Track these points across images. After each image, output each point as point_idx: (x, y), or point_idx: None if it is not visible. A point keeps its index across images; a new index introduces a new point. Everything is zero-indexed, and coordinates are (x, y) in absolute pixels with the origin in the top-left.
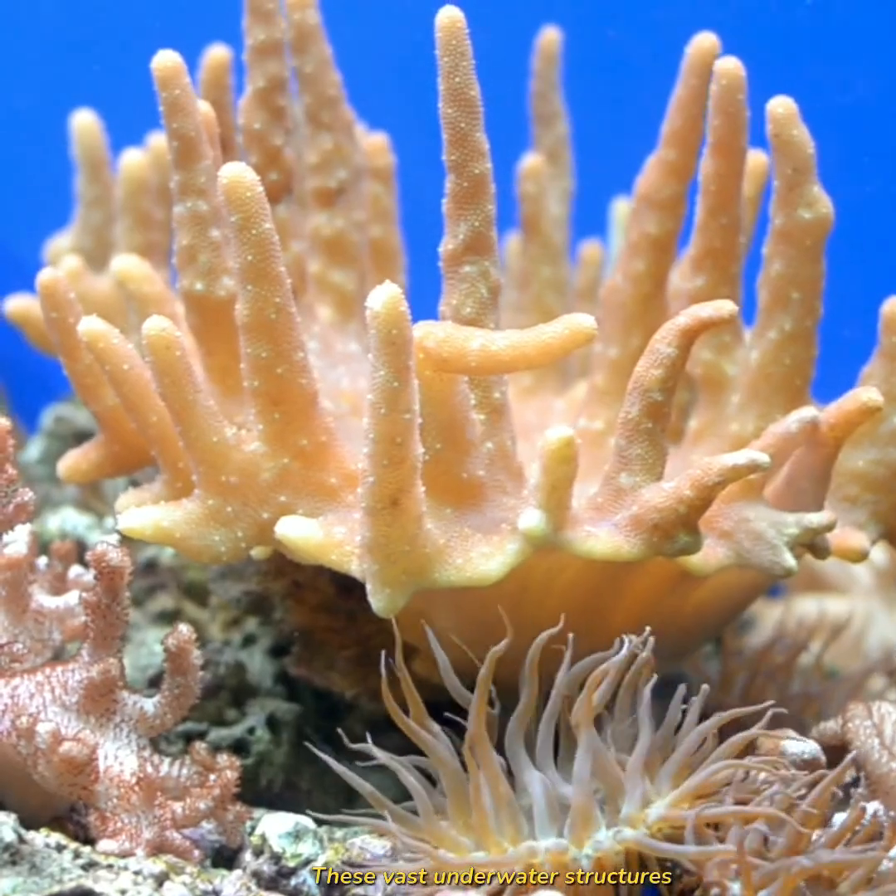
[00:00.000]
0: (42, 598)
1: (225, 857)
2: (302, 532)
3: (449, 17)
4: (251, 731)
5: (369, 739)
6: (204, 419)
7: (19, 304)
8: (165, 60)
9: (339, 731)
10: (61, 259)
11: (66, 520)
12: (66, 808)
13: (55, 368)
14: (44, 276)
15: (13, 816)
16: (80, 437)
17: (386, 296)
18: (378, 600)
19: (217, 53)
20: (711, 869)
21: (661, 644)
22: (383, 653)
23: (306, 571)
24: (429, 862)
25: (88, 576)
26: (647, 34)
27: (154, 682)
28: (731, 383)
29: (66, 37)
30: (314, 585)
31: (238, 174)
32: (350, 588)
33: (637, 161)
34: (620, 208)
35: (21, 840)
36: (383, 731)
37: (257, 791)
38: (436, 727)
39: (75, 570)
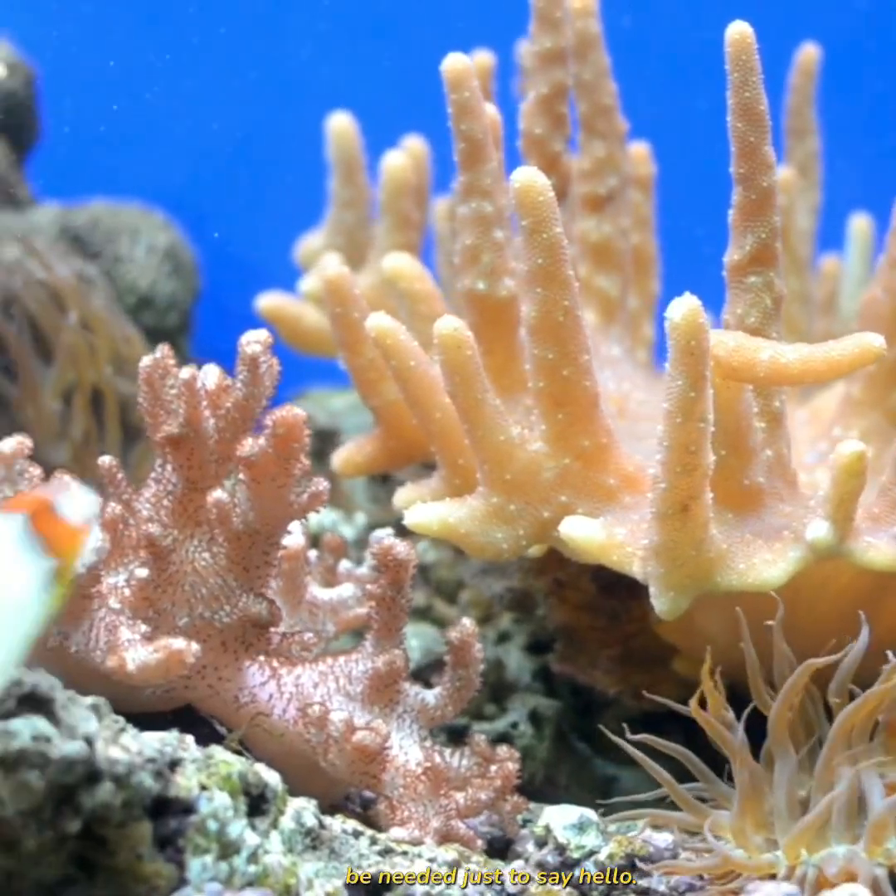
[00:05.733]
0: (315, 590)
1: (496, 849)
2: (586, 532)
3: (739, 32)
4: (514, 725)
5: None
6: (491, 418)
7: (272, 302)
8: (456, 63)
9: (608, 725)
10: (319, 258)
11: (322, 516)
12: (342, 797)
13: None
14: (331, 273)
15: (313, 802)
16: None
17: (686, 307)
18: (662, 603)
19: (481, 59)
20: None
21: None
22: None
23: (569, 570)
24: (718, 859)
25: (359, 570)
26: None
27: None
28: None
29: (314, 41)
30: (576, 584)
31: (530, 178)
32: (612, 588)
33: (876, 176)
34: (859, 224)
35: (321, 826)
36: (641, 729)
37: (518, 785)
38: (731, 717)
39: (344, 565)
